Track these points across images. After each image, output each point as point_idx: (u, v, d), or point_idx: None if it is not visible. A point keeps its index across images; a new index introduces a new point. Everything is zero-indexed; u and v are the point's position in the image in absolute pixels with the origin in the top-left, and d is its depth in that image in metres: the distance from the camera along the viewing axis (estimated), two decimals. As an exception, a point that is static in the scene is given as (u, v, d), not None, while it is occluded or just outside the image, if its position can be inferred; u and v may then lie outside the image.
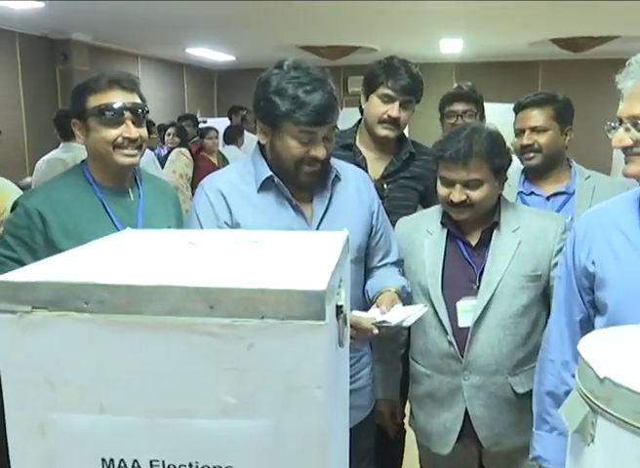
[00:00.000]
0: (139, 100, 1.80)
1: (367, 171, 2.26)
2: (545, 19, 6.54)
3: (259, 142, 1.74)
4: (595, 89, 7.93)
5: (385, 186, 2.23)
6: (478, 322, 1.79)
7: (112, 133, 1.73)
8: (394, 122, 2.19)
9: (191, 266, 0.94)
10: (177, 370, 0.83)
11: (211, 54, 8.87)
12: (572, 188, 2.24)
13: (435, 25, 6.86)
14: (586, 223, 1.49)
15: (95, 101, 1.74)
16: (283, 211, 1.67)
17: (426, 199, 2.26)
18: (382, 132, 2.21)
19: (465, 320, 1.81)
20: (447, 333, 1.82)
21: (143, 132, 1.79)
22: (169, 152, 5.66)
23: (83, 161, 1.85)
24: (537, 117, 2.26)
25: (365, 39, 7.66)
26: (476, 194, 1.78)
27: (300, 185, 1.69)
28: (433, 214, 1.93)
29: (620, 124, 1.32)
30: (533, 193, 2.31)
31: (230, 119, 7.39)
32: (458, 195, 1.77)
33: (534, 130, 2.26)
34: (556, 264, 1.76)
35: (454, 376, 1.84)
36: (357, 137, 2.31)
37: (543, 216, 1.88)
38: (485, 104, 3.01)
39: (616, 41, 7.32)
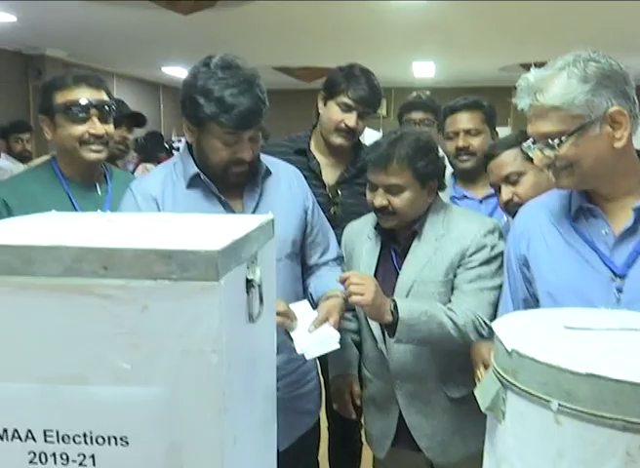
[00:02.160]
0: (106, 98, 1.84)
1: (321, 176, 2.26)
2: (514, 43, 6.70)
3: (186, 141, 1.71)
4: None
5: (340, 192, 2.23)
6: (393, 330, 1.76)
7: (78, 129, 1.78)
8: (350, 131, 2.19)
9: (93, 232, 0.92)
10: (71, 335, 0.80)
11: (186, 73, 8.89)
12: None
13: (406, 47, 6.97)
14: (524, 216, 1.52)
15: (61, 98, 1.78)
16: (212, 207, 1.64)
17: None
18: (337, 140, 2.20)
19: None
20: (377, 342, 1.82)
21: (109, 128, 1.84)
22: (136, 167, 5.67)
23: (53, 156, 1.90)
24: (470, 120, 2.28)
25: (339, 61, 7.75)
26: (397, 200, 1.74)
27: (228, 185, 1.68)
28: (374, 218, 1.92)
29: (534, 142, 1.34)
30: (465, 197, 2.33)
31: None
32: (379, 199, 1.76)
33: (467, 133, 2.28)
34: (463, 266, 1.74)
35: (387, 383, 1.84)
36: (311, 143, 2.30)
37: (469, 220, 1.82)
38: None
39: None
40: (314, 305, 1.74)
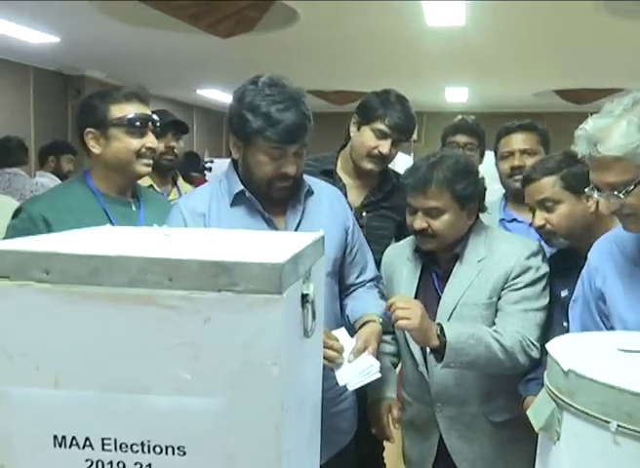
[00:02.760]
0: (150, 113, 1.88)
1: (346, 198, 2.27)
2: (549, 69, 6.68)
3: (232, 158, 1.74)
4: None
5: (364, 214, 2.22)
6: (436, 353, 1.73)
7: (136, 143, 1.81)
8: (383, 158, 2.18)
9: (155, 245, 0.94)
10: (133, 344, 0.82)
11: (221, 95, 9.05)
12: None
13: (440, 72, 7.00)
14: (599, 251, 1.51)
15: (118, 112, 1.81)
16: (256, 224, 1.66)
17: (404, 228, 2.27)
18: (369, 165, 2.20)
19: None
20: (418, 365, 1.81)
21: (156, 143, 1.89)
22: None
23: (85, 172, 1.90)
24: (526, 140, 2.27)
25: (371, 86, 7.81)
26: (437, 223, 1.74)
27: (273, 200, 1.70)
28: (413, 241, 1.91)
29: (599, 190, 1.33)
30: (515, 220, 2.29)
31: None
32: (418, 222, 1.75)
33: (524, 152, 2.26)
34: (507, 288, 1.73)
35: (428, 407, 1.82)
36: (338, 164, 2.30)
37: (513, 242, 1.81)
38: (488, 153, 3.02)
39: (618, 94, 7.42)
40: (350, 327, 1.75)
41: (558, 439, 0.91)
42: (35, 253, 0.83)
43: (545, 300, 1.72)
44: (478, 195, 1.80)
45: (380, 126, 2.15)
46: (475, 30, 4.94)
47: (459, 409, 1.78)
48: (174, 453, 0.82)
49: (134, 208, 1.89)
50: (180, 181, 2.80)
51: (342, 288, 1.87)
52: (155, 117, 1.88)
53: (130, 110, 1.81)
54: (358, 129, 2.22)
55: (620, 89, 7.41)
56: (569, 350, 0.98)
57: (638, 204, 1.27)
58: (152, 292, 0.81)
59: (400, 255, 1.92)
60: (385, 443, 2.22)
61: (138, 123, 1.81)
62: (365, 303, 1.80)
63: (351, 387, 1.58)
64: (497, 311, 1.75)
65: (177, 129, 2.73)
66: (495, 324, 1.73)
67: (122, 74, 7.54)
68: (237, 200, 1.69)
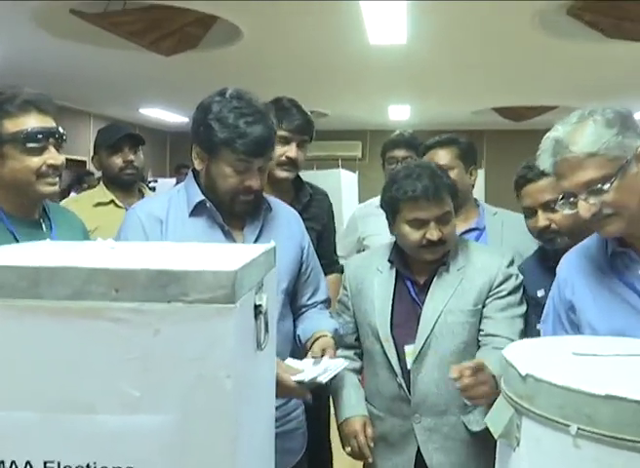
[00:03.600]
0: (54, 124, 1.66)
1: None
2: (487, 87, 6.87)
3: (193, 169, 1.71)
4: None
5: None
6: (419, 362, 1.75)
7: (35, 161, 1.60)
8: (292, 163, 2.19)
9: (99, 256, 0.90)
10: (77, 361, 0.77)
11: (164, 114, 8.94)
12: (482, 224, 2.25)
13: (383, 91, 7.10)
14: (567, 264, 1.52)
15: (12, 126, 1.59)
16: (214, 236, 1.64)
17: (322, 238, 2.28)
18: (282, 174, 2.19)
19: (411, 363, 1.77)
20: (396, 375, 1.78)
21: (63, 158, 1.67)
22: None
23: None
24: (443, 156, 2.31)
25: (316, 104, 7.86)
26: (448, 229, 1.76)
27: (234, 214, 1.68)
28: (383, 251, 1.90)
29: (573, 196, 1.32)
30: None
31: (177, 178, 7.39)
32: (436, 233, 1.72)
33: (441, 168, 2.31)
34: (493, 294, 1.76)
35: (404, 419, 1.79)
36: None
37: (490, 253, 1.87)
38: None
39: (554, 111, 7.70)
40: (301, 347, 1.73)
41: (518, 445, 0.90)
42: (-31, 267, 0.77)
43: (524, 307, 1.78)
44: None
45: (281, 132, 2.13)
46: (416, 49, 5.03)
47: (438, 420, 1.76)
48: (122, 475, 0.78)
49: (44, 228, 1.70)
50: (148, 194, 2.73)
51: (294, 309, 1.84)
52: (60, 130, 1.67)
53: (26, 123, 1.59)
54: None
55: (553, 106, 7.68)
56: (525, 355, 0.98)
57: (618, 199, 1.27)
58: (97, 304, 0.76)
59: (367, 266, 1.90)
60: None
61: (36, 138, 1.59)
62: (316, 322, 1.78)
63: (324, 379, 1.53)
64: (482, 318, 1.77)
65: (132, 141, 2.66)
66: (481, 330, 1.76)
67: (61, 93, 7.36)
68: (196, 210, 1.66)
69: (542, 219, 1.82)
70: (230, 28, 4.62)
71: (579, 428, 0.81)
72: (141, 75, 6.42)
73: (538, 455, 0.87)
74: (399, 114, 8.76)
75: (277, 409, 1.70)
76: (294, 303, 1.84)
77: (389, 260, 1.85)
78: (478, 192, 8.48)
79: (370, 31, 4.47)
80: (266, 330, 0.98)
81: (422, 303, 1.79)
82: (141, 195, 2.71)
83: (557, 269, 1.54)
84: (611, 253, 1.39)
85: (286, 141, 2.17)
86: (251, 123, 1.57)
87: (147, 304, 0.76)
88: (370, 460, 1.79)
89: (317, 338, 1.69)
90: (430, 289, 1.79)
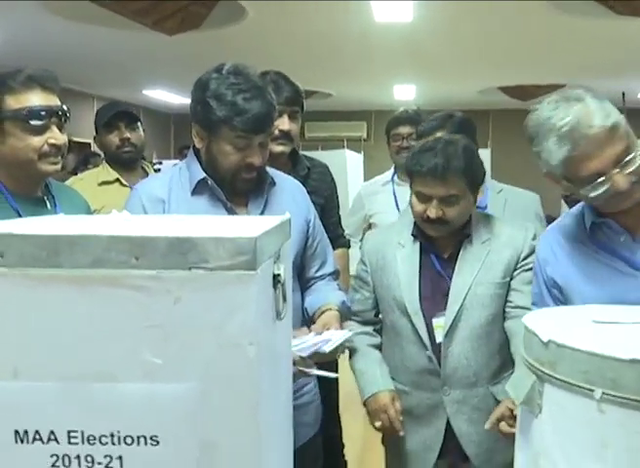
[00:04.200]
0: (58, 102, 1.62)
1: None
2: (493, 66, 6.80)
3: (193, 146, 1.69)
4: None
5: None
6: (450, 334, 1.75)
7: (37, 140, 1.56)
8: (286, 136, 2.14)
9: (117, 225, 0.89)
10: (98, 329, 0.77)
11: (168, 96, 8.89)
12: (484, 202, 2.22)
13: (388, 70, 7.04)
14: (545, 242, 1.55)
15: (14, 103, 1.55)
16: (218, 213, 1.61)
17: (325, 211, 2.25)
18: (278, 148, 2.13)
19: (441, 336, 1.76)
20: (426, 349, 1.77)
21: (66, 138, 1.64)
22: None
23: None
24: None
25: (320, 84, 7.81)
26: (452, 211, 1.72)
27: (237, 190, 1.66)
28: (402, 225, 1.89)
29: (604, 174, 1.29)
30: None
31: (181, 160, 7.38)
32: (434, 212, 1.71)
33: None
34: (520, 266, 1.77)
35: (434, 392, 1.78)
36: None
37: (513, 226, 1.86)
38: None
39: (562, 90, 7.61)
40: (309, 319, 1.72)
41: (540, 411, 0.90)
42: (-13, 236, 0.77)
43: None
44: (483, 180, 1.83)
45: None
46: (422, 27, 4.97)
47: (467, 392, 1.76)
48: (146, 444, 0.78)
49: (48, 206, 1.67)
50: (152, 172, 2.72)
51: (302, 281, 1.84)
52: (64, 108, 1.62)
53: (29, 100, 1.55)
54: None
55: (561, 85, 7.61)
56: (545, 322, 0.97)
57: None
58: (118, 272, 0.76)
59: (387, 242, 1.88)
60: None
61: (38, 116, 1.55)
62: (323, 295, 1.78)
63: (329, 348, 1.53)
64: (509, 290, 1.77)
65: (128, 119, 2.63)
66: (509, 302, 1.77)
67: (64, 74, 7.31)
68: (198, 188, 1.64)
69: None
70: (235, 7, 4.56)
71: (603, 393, 0.80)
72: (145, 56, 6.37)
73: (561, 421, 0.87)
74: (404, 94, 8.67)
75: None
76: (301, 276, 1.83)
77: (413, 234, 1.84)
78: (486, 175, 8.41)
79: (375, 8, 4.42)
80: (284, 299, 0.98)
81: (448, 276, 1.79)
82: (145, 173, 2.69)
83: (536, 249, 1.57)
84: (590, 225, 1.41)
85: (278, 114, 2.14)
86: (249, 99, 1.54)
87: (167, 272, 0.75)
88: (401, 434, 1.80)
89: (323, 312, 1.69)
90: (457, 262, 1.78)
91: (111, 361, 0.77)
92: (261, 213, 1.69)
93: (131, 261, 0.75)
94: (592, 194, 1.31)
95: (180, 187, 1.66)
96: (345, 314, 1.74)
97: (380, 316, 1.91)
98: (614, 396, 0.79)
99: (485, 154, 8.38)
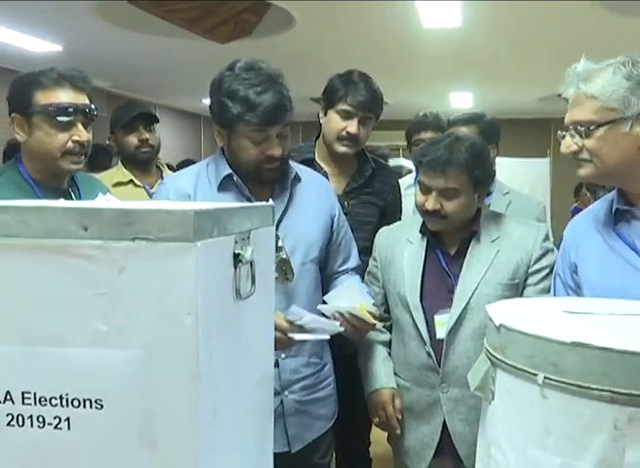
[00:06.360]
0: (87, 101, 1.69)
1: None
2: (550, 72, 6.63)
3: None
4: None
5: (348, 202, 2.21)
6: (453, 332, 1.74)
7: (61, 137, 1.64)
8: (353, 138, 2.16)
9: (86, 204, 0.94)
10: (51, 296, 0.81)
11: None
12: (487, 202, 2.19)
13: (442, 76, 6.98)
14: (573, 227, 1.55)
15: (43, 99, 1.63)
16: None
17: (386, 214, 2.24)
18: (341, 148, 2.17)
19: (442, 332, 1.76)
20: (425, 344, 1.77)
21: (90, 135, 1.71)
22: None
23: (16, 157, 1.74)
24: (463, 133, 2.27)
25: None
26: (450, 205, 1.73)
27: (261, 182, 1.70)
28: (413, 223, 1.90)
29: (566, 129, 1.35)
30: None
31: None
32: (432, 203, 1.73)
33: None
34: (533, 272, 1.75)
35: (432, 389, 1.78)
36: (316, 152, 2.29)
37: (524, 226, 1.84)
38: (503, 160, 3.04)
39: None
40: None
41: (493, 398, 0.89)
42: (-45, 206, 0.83)
43: None
44: (490, 180, 1.84)
45: (344, 106, 2.14)
46: (473, 32, 4.92)
47: (465, 391, 1.73)
48: (91, 407, 0.81)
49: (73, 197, 1.75)
50: (167, 172, 2.79)
51: (325, 275, 1.87)
52: (92, 106, 1.69)
53: (58, 97, 1.63)
54: (325, 114, 2.21)
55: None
56: (508, 310, 0.96)
57: (596, 148, 1.29)
58: (68, 241, 0.80)
59: (398, 237, 1.90)
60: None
61: (64, 113, 1.62)
62: (346, 285, 1.81)
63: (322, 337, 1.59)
64: (522, 292, 1.76)
65: (147, 120, 2.71)
66: None
67: (127, 83, 7.62)
68: (224, 184, 1.70)
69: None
70: (283, 15, 4.65)
71: (545, 377, 0.79)
72: (203, 65, 6.54)
73: (510, 408, 0.86)
74: (461, 102, 8.58)
75: (311, 376, 1.78)
76: (324, 271, 1.86)
77: (420, 231, 1.84)
78: (543, 181, 8.21)
79: (422, 14, 4.41)
80: (252, 281, 1.00)
81: (454, 274, 1.78)
82: (160, 173, 2.75)
83: (564, 234, 1.52)
84: (614, 212, 1.37)
85: (348, 116, 2.15)
86: (260, 92, 1.58)
87: (113, 242, 0.79)
88: (398, 432, 1.80)
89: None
90: (465, 260, 1.78)
91: (62, 326, 0.81)
92: (285, 208, 1.73)
93: (80, 232, 0.79)
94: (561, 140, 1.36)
95: (206, 183, 1.72)
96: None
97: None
98: (556, 381, 0.78)
99: (544, 163, 8.18)
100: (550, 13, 4.49)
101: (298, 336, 1.55)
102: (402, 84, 7.40)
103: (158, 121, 2.79)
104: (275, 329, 1.49)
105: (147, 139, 2.67)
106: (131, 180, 2.63)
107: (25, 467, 0.84)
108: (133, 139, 2.67)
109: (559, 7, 4.34)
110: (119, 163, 2.78)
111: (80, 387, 0.81)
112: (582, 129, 1.29)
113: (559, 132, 1.39)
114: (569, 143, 1.34)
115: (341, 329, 1.61)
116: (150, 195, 2.52)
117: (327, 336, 1.61)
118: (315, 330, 1.57)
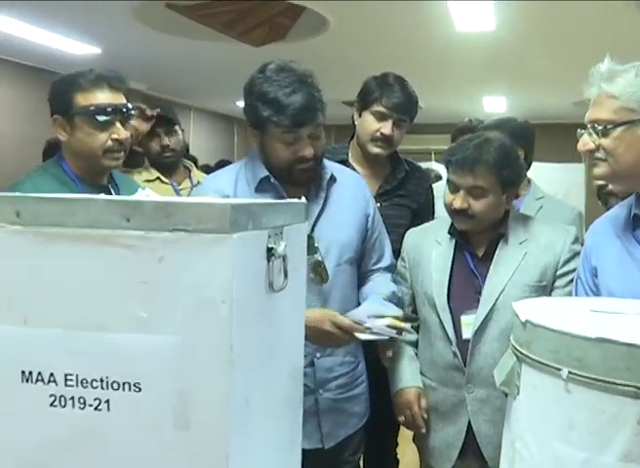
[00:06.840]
0: (124, 100, 1.77)
1: None
2: (586, 76, 6.55)
3: None
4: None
5: (381, 204, 2.23)
6: (479, 333, 1.75)
7: (101, 136, 1.72)
8: (387, 140, 2.18)
9: (124, 197, 0.98)
10: (95, 283, 0.85)
11: (260, 107, 9.16)
12: (518, 206, 2.19)
13: (475, 80, 6.95)
14: (594, 231, 1.56)
15: (83, 100, 1.71)
16: None
17: (418, 216, 2.26)
18: (375, 150, 2.20)
19: (468, 333, 1.78)
20: (451, 344, 1.79)
21: (128, 134, 1.78)
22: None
23: (58, 155, 1.81)
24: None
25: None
26: (478, 204, 1.74)
27: (296, 182, 1.73)
28: (442, 224, 1.92)
29: (585, 128, 1.37)
30: None
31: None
32: (459, 202, 1.75)
33: None
34: (562, 275, 1.75)
35: (458, 389, 1.80)
36: (350, 154, 2.32)
37: (553, 228, 1.85)
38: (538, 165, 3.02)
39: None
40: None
41: (518, 393, 0.90)
42: (7, 197, 0.88)
43: None
44: (519, 181, 1.85)
45: (379, 107, 2.17)
46: (506, 35, 4.90)
47: (491, 392, 1.75)
48: (130, 390, 0.85)
49: (113, 194, 1.80)
50: (195, 172, 2.84)
51: (359, 273, 1.89)
52: (129, 105, 1.77)
53: (97, 98, 1.71)
54: (360, 115, 2.24)
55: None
56: (536, 308, 0.98)
57: (612, 148, 1.30)
58: (111, 232, 0.84)
59: (427, 238, 1.92)
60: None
61: (104, 112, 1.70)
62: (375, 285, 1.84)
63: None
64: (551, 295, 1.75)
65: (166, 124, 2.73)
66: None
67: (163, 86, 7.74)
68: (262, 185, 1.73)
69: None
70: (317, 18, 4.69)
71: (570, 372, 0.80)
72: (237, 68, 6.62)
73: (535, 403, 0.87)
74: (495, 106, 8.52)
75: (346, 374, 1.81)
76: (359, 268, 1.89)
77: (449, 232, 1.85)
78: (577, 187, 8.06)
79: (456, 17, 4.41)
80: (285, 275, 1.03)
81: (481, 275, 1.80)
82: (188, 172, 2.79)
83: (586, 236, 1.54)
84: (633, 216, 1.38)
85: (382, 117, 2.17)
86: (289, 94, 1.61)
87: (153, 233, 0.83)
88: (423, 431, 1.82)
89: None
90: (493, 261, 1.79)
91: (103, 312, 0.85)
92: (322, 208, 1.76)
93: (122, 223, 0.84)
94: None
95: (245, 184, 1.76)
96: (396, 304, 1.77)
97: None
98: (580, 376, 0.79)
99: (579, 169, 8.08)
100: (585, 14, 4.45)
101: (363, 336, 1.60)
102: (435, 88, 7.38)
103: (178, 122, 2.83)
104: (338, 327, 1.54)
105: (168, 145, 2.71)
106: (157, 178, 2.68)
107: (67, 446, 0.88)
108: (155, 146, 2.73)
109: (593, 7, 4.30)
110: (146, 162, 2.83)
111: (120, 370, 0.85)
112: (600, 127, 1.30)
113: (578, 130, 1.40)
114: (586, 141, 1.35)
115: (397, 335, 1.67)
116: (177, 192, 2.58)
117: (386, 338, 1.64)
118: (379, 332, 1.61)
